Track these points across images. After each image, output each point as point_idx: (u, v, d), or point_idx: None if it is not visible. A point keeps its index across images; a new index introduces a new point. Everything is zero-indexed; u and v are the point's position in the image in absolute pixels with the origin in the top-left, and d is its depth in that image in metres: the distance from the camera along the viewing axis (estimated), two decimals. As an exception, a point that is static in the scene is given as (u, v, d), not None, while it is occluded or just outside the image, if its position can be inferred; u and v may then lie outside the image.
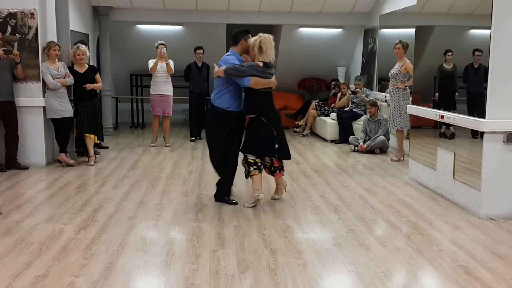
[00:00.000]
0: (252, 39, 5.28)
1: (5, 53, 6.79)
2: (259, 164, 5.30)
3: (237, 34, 5.34)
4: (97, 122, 7.51)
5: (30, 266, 3.76)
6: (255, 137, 5.29)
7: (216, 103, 5.31)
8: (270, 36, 5.23)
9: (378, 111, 8.66)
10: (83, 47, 7.37)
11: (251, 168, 5.27)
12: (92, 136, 7.41)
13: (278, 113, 5.50)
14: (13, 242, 4.23)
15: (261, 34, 5.25)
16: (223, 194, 5.50)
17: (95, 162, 7.45)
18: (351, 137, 9.00)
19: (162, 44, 8.79)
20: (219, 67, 5.24)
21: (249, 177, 5.33)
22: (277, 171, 5.45)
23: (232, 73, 5.11)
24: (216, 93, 5.31)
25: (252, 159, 5.28)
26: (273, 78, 5.30)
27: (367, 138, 8.64)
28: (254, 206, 5.28)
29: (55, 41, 7.25)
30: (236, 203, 5.40)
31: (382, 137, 8.43)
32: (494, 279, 3.63)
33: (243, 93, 5.33)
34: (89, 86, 7.35)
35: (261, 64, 5.17)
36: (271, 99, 5.38)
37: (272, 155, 5.31)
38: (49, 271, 3.67)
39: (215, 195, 5.58)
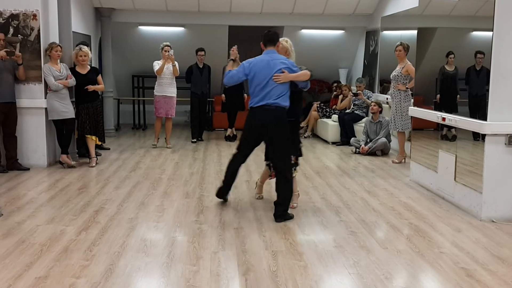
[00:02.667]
0: (282, 44, 5.29)
1: (8, 54, 6.80)
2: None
3: (275, 35, 5.20)
4: (99, 123, 7.51)
5: (31, 267, 3.76)
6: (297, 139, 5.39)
7: (286, 106, 5.04)
8: None
9: (381, 112, 8.66)
10: (85, 48, 7.38)
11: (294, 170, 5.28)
12: (93, 137, 7.42)
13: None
14: (14, 243, 4.23)
15: (282, 37, 5.36)
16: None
17: (96, 163, 7.45)
18: (352, 139, 9.00)
19: (168, 46, 8.80)
20: (294, 72, 5.04)
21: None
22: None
23: (309, 79, 5.13)
24: (283, 95, 5.02)
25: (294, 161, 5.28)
26: None
27: (368, 140, 8.64)
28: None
29: (57, 42, 7.26)
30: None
31: (384, 139, 8.43)
32: (496, 282, 3.62)
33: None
34: (90, 87, 7.36)
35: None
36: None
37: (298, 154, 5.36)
38: (50, 272, 3.68)
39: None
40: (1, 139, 7.05)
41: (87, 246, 4.20)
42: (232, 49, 5.70)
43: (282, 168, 5.05)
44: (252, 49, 12.52)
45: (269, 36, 5.17)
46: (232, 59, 5.56)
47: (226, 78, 5.27)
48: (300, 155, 5.39)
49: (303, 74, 5.06)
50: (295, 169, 5.30)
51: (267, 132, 5.02)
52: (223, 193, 5.52)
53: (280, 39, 5.29)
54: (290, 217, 5.00)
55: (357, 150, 8.70)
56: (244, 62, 5.17)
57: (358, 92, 9.72)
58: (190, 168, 7.38)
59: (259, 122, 5.05)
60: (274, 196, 5.82)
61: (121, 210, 5.24)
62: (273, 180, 5.57)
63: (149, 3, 10.12)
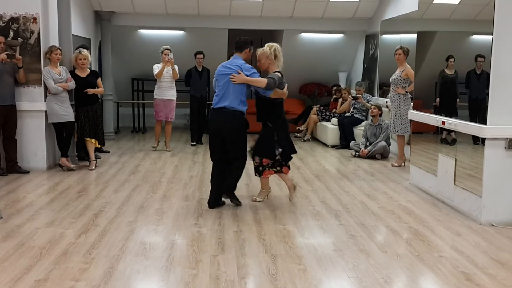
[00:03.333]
0: (265, 49, 5.47)
1: (8, 57, 6.81)
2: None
3: (243, 42, 5.49)
4: (98, 126, 7.51)
5: (31, 270, 3.75)
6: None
7: (234, 106, 5.34)
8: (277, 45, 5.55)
9: (380, 116, 8.67)
10: (85, 51, 7.39)
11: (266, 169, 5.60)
12: (93, 140, 7.42)
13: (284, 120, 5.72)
14: (13, 246, 4.23)
15: (268, 43, 5.54)
16: None
17: (96, 166, 7.45)
18: (352, 143, 9.00)
19: (167, 49, 8.80)
20: (245, 75, 5.34)
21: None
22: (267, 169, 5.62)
23: (271, 86, 5.29)
24: (242, 101, 5.36)
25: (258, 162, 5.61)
26: (285, 88, 5.53)
27: (368, 143, 8.64)
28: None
29: (57, 45, 7.26)
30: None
31: (383, 143, 8.43)
32: (495, 286, 3.62)
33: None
34: (90, 90, 7.36)
35: (279, 74, 5.42)
36: (280, 107, 5.65)
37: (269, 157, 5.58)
38: (49, 275, 3.67)
39: None
40: (0, 142, 7.06)
41: (86, 249, 4.19)
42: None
43: (233, 164, 5.53)
44: (252, 52, 12.58)
45: (237, 43, 5.51)
46: None
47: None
48: (273, 158, 5.55)
49: (258, 81, 5.31)
50: (260, 169, 5.60)
51: (221, 133, 5.36)
52: (212, 203, 5.49)
53: (266, 44, 5.52)
54: (235, 199, 5.53)
55: (357, 153, 8.70)
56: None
57: (358, 95, 9.73)
58: (189, 171, 7.37)
59: (215, 124, 5.41)
60: (275, 198, 5.84)
61: (121, 213, 5.23)
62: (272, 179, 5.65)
63: (149, 6, 10.14)
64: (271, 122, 5.49)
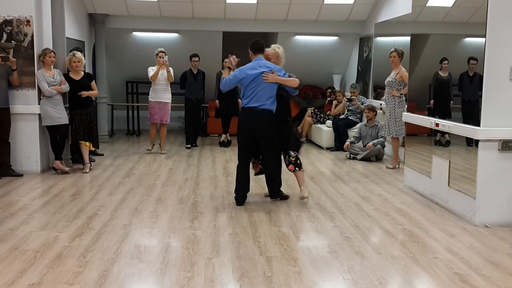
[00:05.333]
0: (274, 49, 5.81)
1: (2, 59, 6.78)
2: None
3: (263, 44, 5.75)
4: (92, 129, 7.49)
5: (24, 274, 3.73)
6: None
7: (273, 109, 5.60)
8: None
9: (375, 116, 8.70)
10: (78, 54, 7.37)
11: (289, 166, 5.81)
12: (87, 143, 7.39)
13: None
14: (7, 250, 4.20)
15: (275, 44, 6.03)
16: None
17: (90, 169, 7.43)
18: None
19: (162, 52, 8.80)
20: (278, 75, 5.58)
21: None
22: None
23: (301, 85, 5.74)
24: (272, 101, 5.59)
25: (293, 155, 5.80)
26: None
27: (356, 142, 8.74)
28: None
29: (51, 48, 7.24)
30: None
31: (378, 146, 8.45)
32: (490, 287, 3.63)
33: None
34: (84, 93, 7.34)
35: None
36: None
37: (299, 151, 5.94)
38: (43, 279, 3.65)
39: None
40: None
41: (80, 252, 4.17)
42: (229, 58, 6.09)
43: (271, 163, 5.76)
44: (247, 54, 12.59)
45: (258, 45, 5.71)
46: (228, 67, 5.87)
47: (221, 84, 5.82)
48: (296, 150, 5.86)
49: (292, 80, 5.62)
50: (299, 163, 5.76)
51: (255, 133, 5.56)
52: (241, 200, 5.72)
53: (273, 45, 5.91)
54: (285, 196, 5.87)
55: (351, 155, 8.72)
56: (236, 69, 5.69)
57: (352, 98, 9.75)
58: (184, 174, 7.36)
59: (248, 124, 5.58)
60: (269, 201, 5.84)
61: (115, 216, 5.21)
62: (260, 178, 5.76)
63: (143, 9, 10.13)
64: (289, 116, 5.84)
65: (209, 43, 10.90)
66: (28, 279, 3.65)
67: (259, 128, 5.54)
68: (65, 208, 5.47)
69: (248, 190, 5.78)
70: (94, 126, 7.59)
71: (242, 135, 5.65)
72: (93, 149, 7.66)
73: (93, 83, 7.61)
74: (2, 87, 6.89)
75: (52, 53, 7.11)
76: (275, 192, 5.85)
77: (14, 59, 6.94)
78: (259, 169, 6.00)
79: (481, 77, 4.87)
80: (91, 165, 7.55)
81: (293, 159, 5.74)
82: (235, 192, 5.76)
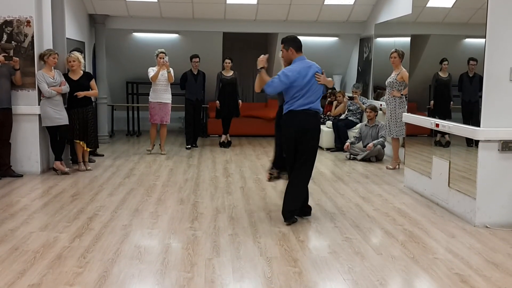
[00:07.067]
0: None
1: (5, 59, 6.78)
2: None
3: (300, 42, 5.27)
4: (89, 129, 7.45)
5: (24, 274, 3.73)
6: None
7: (319, 110, 5.20)
8: None
9: (376, 116, 8.70)
10: (74, 53, 7.36)
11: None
12: (81, 142, 7.38)
13: None
14: (7, 251, 4.20)
15: None
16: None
17: (87, 169, 7.46)
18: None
19: (163, 52, 8.80)
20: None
21: None
22: None
23: None
24: (318, 100, 5.17)
25: None
26: None
27: (356, 142, 8.72)
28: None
29: (53, 49, 7.24)
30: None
31: (378, 146, 8.45)
32: (490, 287, 3.64)
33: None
34: (80, 94, 7.30)
35: None
36: None
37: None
38: (43, 279, 3.65)
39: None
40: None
41: (80, 253, 4.17)
42: (262, 58, 5.36)
43: (307, 172, 5.16)
44: (247, 55, 12.58)
45: (300, 43, 5.22)
46: (262, 68, 5.24)
47: (270, 88, 5.08)
48: None
49: (331, 81, 5.43)
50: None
51: (306, 136, 5.03)
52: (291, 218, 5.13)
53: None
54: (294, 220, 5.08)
55: (351, 156, 8.72)
56: (284, 70, 5.08)
57: (354, 96, 9.75)
58: (184, 175, 7.36)
59: (300, 126, 5.03)
60: (270, 201, 5.83)
61: (115, 217, 5.21)
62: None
63: (144, 9, 10.13)
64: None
65: (209, 43, 10.90)
66: (28, 279, 3.64)
67: (312, 130, 5.07)
68: (65, 209, 5.47)
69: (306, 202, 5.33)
70: (92, 127, 7.56)
71: (290, 139, 5.06)
72: (87, 149, 7.59)
73: (92, 82, 7.60)
74: (4, 87, 6.89)
75: (56, 55, 7.10)
76: (305, 212, 5.28)
77: (17, 59, 6.94)
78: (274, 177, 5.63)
79: (481, 78, 4.87)
80: (88, 165, 7.54)
81: None
82: (291, 209, 5.08)
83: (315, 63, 5.23)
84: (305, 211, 5.29)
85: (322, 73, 5.13)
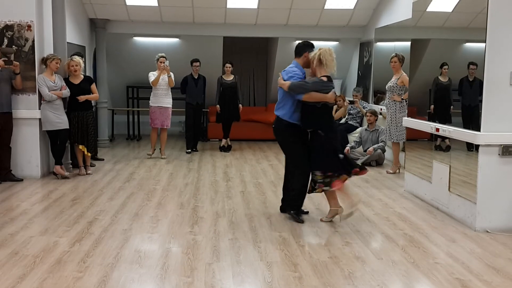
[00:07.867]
0: (312, 53, 5.23)
1: (5, 63, 6.79)
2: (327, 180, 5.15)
3: (301, 47, 5.33)
4: (89, 133, 7.45)
5: (24, 279, 3.72)
6: (320, 152, 5.18)
7: (279, 114, 5.28)
8: (330, 48, 5.18)
9: (376, 121, 8.70)
10: (76, 57, 7.37)
11: (316, 185, 5.16)
12: (80, 146, 7.39)
13: (335, 127, 5.54)
14: (7, 255, 4.20)
15: (321, 47, 5.18)
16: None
17: (87, 173, 7.46)
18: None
19: (163, 57, 8.81)
20: (283, 79, 5.21)
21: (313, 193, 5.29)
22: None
23: (295, 90, 5.07)
24: (282, 105, 5.27)
25: (320, 175, 5.14)
26: (331, 93, 5.12)
27: (356, 147, 8.72)
28: (331, 221, 5.25)
29: (53, 53, 7.25)
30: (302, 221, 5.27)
31: (379, 151, 8.45)
32: (491, 293, 3.62)
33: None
34: (81, 97, 7.32)
35: (325, 78, 5.10)
36: (329, 113, 5.35)
37: (336, 169, 5.14)
38: (43, 284, 3.64)
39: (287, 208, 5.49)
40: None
41: (80, 257, 4.17)
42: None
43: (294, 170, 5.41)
44: (248, 59, 12.59)
45: (296, 48, 5.38)
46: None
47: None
48: (332, 170, 5.14)
49: (282, 84, 5.19)
50: (316, 186, 5.17)
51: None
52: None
53: (319, 48, 5.22)
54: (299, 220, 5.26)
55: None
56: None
57: (355, 100, 9.76)
58: (184, 179, 7.36)
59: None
60: (270, 205, 5.83)
61: (115, 221, 5.21)
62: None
63: (144, 14, 10.15)
64: (322, 128, 5.17)
65: (209, 48, 10.91)
66: (28, 284, 3.64)
67: (276, 135, 5.46)
68: (65, 213, 5.47)
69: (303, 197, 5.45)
70: (91, 131, 7.56)
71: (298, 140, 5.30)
72: (88, 154, 7.59)
73: (93, 86, 7.60)
74: (5, 91, 6.90)
75: (59, 60, 7.12)
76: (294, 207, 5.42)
77: (18, 63, 6.94)
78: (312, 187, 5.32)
79: (481, 82, 4.88)
80: (89, 169, 7.54)
81: (320, 178, 5.15)
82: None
83: (289, 68, 5.33)
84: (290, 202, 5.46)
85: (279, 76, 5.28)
